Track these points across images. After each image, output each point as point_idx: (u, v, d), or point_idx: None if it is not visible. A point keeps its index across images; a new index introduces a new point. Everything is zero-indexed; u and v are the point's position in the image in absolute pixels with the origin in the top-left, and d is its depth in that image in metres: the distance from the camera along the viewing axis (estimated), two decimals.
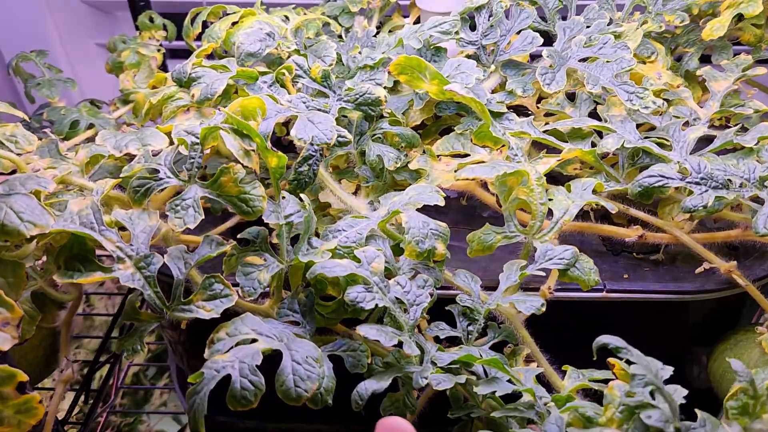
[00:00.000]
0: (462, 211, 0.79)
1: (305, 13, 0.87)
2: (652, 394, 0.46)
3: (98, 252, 0.52)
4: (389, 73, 0.66)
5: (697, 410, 0.48)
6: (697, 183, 0.60)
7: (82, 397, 0.88)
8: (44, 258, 0.62)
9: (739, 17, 0.80)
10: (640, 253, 0.71)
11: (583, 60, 0.74)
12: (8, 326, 0.45)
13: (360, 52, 0.78)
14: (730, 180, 0.61)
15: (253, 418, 0.86)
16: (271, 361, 0.48)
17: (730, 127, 0.75)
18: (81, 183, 0.59)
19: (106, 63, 0.91)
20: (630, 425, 0.46)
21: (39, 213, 0.48)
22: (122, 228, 0.54)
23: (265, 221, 0.54)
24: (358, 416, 0.50)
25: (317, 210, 0.69)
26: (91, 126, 0.82)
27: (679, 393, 0.47)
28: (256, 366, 0.46)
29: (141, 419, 1.23)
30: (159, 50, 0.91)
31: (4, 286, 0.50)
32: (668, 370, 0.48)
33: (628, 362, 0.48)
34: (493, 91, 0.78)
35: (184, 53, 0.92)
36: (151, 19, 0.96)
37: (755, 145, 0.66)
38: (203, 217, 0.52)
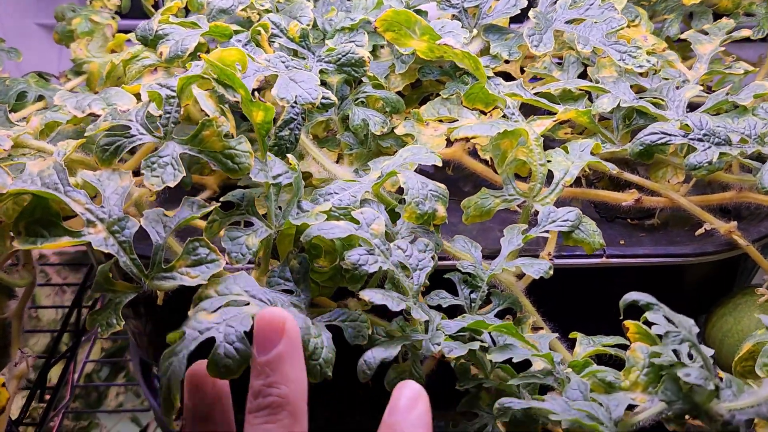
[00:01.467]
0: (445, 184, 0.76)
1: None
2: (675, 352, 0.43)
3: None
4: (375, 30, 0.62)
5: (720, 371, 0.46)
6: (699, 139, 0.58)
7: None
8: None
9: None
10: (635, 219, 0.69)
11: (570, 22, 0.71)
12: None
13: (336, 15, 0.73)
14: (730, 137, 0.59)
15: None
16: None
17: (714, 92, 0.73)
18: (39, 146, 0.52)
19: (54, 32, 0.83)
20: (659, 386, 0.43)
21: None
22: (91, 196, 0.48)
23: (254, 179, 0.49)
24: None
25: None
26: (40, 98, 0.74)
27: (707, 350, 0.44)
28: (245, 333, 0.41)
29: (95, 422, 1.15)
30: (113, 18, 0.84)
31: None
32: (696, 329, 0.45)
33: (647, 324, 0.46)
34: None
35: None
36: None
37: (749, 103, 0.64)
38: (184, 174, 0.47)
